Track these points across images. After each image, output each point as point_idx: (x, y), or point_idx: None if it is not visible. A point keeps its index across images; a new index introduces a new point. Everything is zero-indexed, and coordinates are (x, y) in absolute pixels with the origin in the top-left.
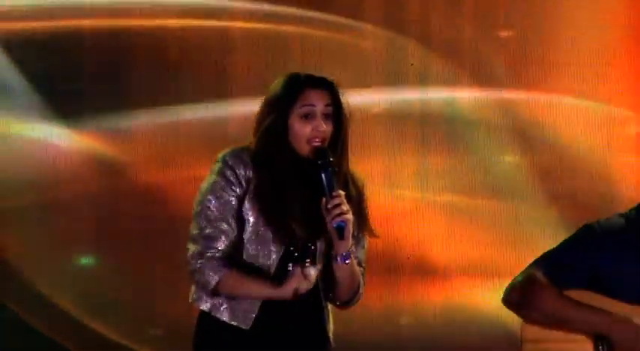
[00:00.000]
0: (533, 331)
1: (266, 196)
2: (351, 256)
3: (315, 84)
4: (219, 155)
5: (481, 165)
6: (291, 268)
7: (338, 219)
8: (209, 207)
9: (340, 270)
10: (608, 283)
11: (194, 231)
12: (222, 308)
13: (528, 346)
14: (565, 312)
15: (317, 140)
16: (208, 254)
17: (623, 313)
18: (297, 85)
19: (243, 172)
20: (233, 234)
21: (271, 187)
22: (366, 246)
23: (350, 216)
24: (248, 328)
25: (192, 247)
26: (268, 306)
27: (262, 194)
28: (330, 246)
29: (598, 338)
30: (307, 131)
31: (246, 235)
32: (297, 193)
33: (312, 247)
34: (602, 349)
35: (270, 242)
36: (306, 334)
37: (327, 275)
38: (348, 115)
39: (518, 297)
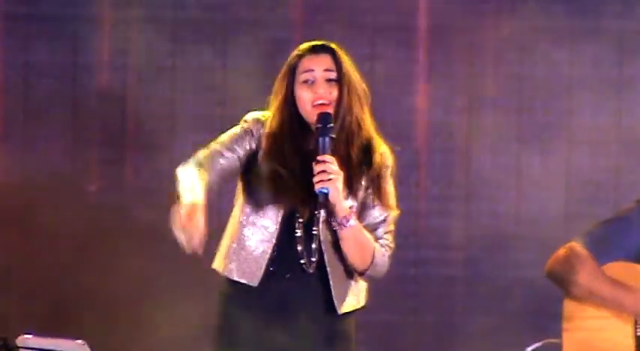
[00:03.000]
0: (573, 309)
1: (269, 154)
2: (350, 222)
3: (313, 50)
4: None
5: None
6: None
7: (320, 184)
8: (221, 136)
9: (342, 236)
10: None
11: None
12: (230, 267)
13: (567, 325)
14: (600, 290)
15: (318, 103)
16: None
17: None
18: (297, 54)
19: (258, 132)
20: (233, 158)
21: (274, 155)
22: (388, 219)
23: (334, 183)
24: (256, 285)
25: None
26: (274, 271)
27: (265, 159)
28: (330, 213)
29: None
30: (309, 96)
31: (251, 192)
32: (297, 160)
33: (316, 212)
34: None
35: (269, 206)
36: (310, 303)
37: (337, 246)
38: (352, 79)
39: (559, 270)
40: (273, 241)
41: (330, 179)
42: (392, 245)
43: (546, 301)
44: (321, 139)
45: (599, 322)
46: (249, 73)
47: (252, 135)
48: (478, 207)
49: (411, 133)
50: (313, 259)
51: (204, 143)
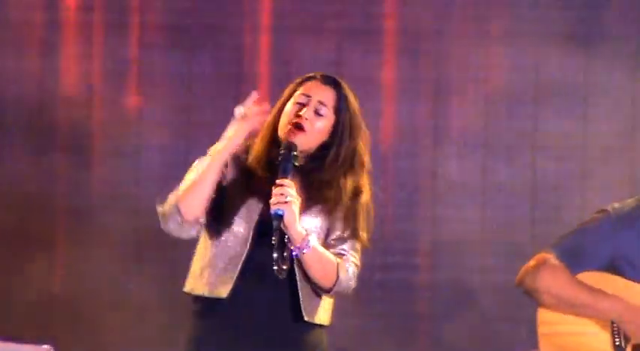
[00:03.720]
0: (549, 316)
1: (237, 173)
2: (308, 244)
3: (320, 78)
4: None
5: None
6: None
7: (275, 206)
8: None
9: (303, 260)
10: (626, 264)
11: None
12: (201, 284)
13: (544, 329)
14: (578, 297)
15: (294, 124)
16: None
17: (635, 299)
18: (307, 76)
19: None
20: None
21: (244, 167)
22: (355, 235)
23: (290, 206)
24: (226, 296)
25: None
26: (244, 282)
27: (235, 170)
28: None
29: (615, 323)
30: (292, 112)
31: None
32: (265, 176)
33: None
34: (619, 334)
35: (239, 218)
36: (278, 311)
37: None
38: (354, 114)
39: (531, 281)
40: (245, 251)
41: (286, 202)
42: (359, 263)
43: (513, 306)
44: (283, 163)
45: (577, 327)
46: (216, 80)
47: (236, 160)
48: (444, 212)
49: (377, 137)
50: (284, 267)
51: (170, 149)
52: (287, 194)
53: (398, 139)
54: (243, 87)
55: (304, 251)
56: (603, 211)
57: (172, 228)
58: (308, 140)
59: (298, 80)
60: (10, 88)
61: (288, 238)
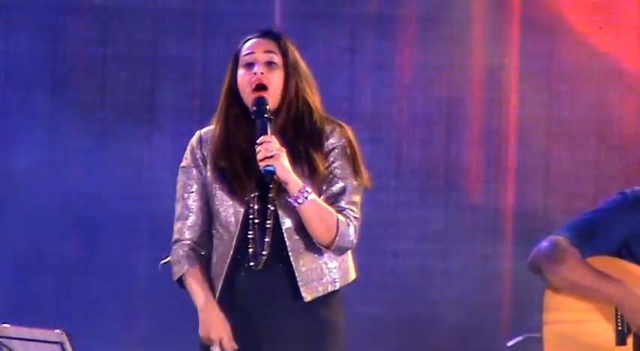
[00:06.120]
0: (555, 302)
1: (215, 154)
2: (306, 195)
3: (257, 34)
4: None
5: None
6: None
7: (263, 162)
8: (177, 188)
9: (301, 212)
10: (637, 249)
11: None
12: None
13: (549, 316)
14: (585, 280)
15: (256, 86)
16: (180, 243)
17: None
18: (243, 40)
19: (199, 153)
20: (199, 208)
21: (220, 145)
22: (347, 189)
23: (278, 160)
24: (216, 295)
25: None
26: (236, 275)
27: (213, 154)
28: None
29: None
30: (248, 78)
31: (214, 203)
32: (241, 146)
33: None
34: (622, 320)
35: (229, 201)
36: (277, 297)
37: (299, 229)
38: (299, 64)
39: (542, 262)
40: (234, 242)
41: (272, 156)
42: (357, 216)
43: (524, 293)
44: (258, 121)
45: (581, 314)
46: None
47: (197, 163)
48: (457, 199)
49: (391, 123)
50: (264, 253)
51: (183, 135)
52: (271, 148)
53: (412, 125)
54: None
55: (302, 201)
56: (620, 193)
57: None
58: (274, 94)
59: (237, 46)
60: None
61: (282, 200)
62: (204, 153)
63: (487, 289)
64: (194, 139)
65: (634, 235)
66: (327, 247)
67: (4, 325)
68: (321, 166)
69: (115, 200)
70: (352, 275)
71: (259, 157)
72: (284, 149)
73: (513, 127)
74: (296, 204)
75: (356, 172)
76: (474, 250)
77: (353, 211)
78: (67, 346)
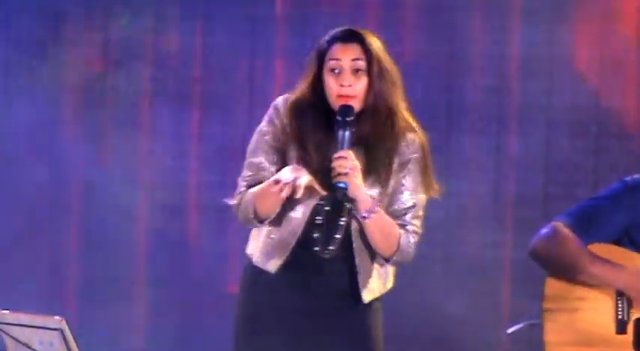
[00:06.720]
0: (556, 290)
1: (290, 146)
2: (372, 214)
3: (342, 38)
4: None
5: None
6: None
7: (335, 179)
8: (250, 141)
9: (366, 226)
10: (638, 236)
11: None
12: (257, 253)
13: (549, 304)
14: (585, 266)
15: (343, 96)
16: (242, 189)
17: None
18: (327, 40)
19: (280, 117)
20: (270, 165)
21: (297, 138)
22: (417, 205)
23: (351, 178)
24: (273, 272)
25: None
26: (297, 261)
27: (290, 144)
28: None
29: (619, 294)
30: (335, 87)
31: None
32: (318, 146)
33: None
34: (622, 304)
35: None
36: (335, 296)
37: (363, 236)
38: (383, 66)
39: (542, 249)
40: (301, 229)
41: (346, 173)
42: (419, 231)
43: (524, 281)
44: (340, 132)
45: (581, 303)
46: (230, 50)
47: (275, 125)
48: (457, 187)
49: None
50: (331, 248)
51: (183, 121)
52: (346, 165)
53: (412, 113)
54: (258, 59)
55: (369, 217)
56: (621, 181)
57: (242, 222)
58: (358, 100)
59: (321, 46)
60: None
61: (349, 209)
62: (283, 115)
63: (487, 277)
64: (281, 105)
65: (635, 223)
66: (386, 260)
67: (4, 311)
68: (394, 177)
69: (114, 187)
70: (391, 283)
71: (333, 173)
72: (359, 166)
73: (514, 115)
74: (363, 220)
75: (427, 185)
76: (475, 238)
77: (416, 225)
78: (67, 332)
